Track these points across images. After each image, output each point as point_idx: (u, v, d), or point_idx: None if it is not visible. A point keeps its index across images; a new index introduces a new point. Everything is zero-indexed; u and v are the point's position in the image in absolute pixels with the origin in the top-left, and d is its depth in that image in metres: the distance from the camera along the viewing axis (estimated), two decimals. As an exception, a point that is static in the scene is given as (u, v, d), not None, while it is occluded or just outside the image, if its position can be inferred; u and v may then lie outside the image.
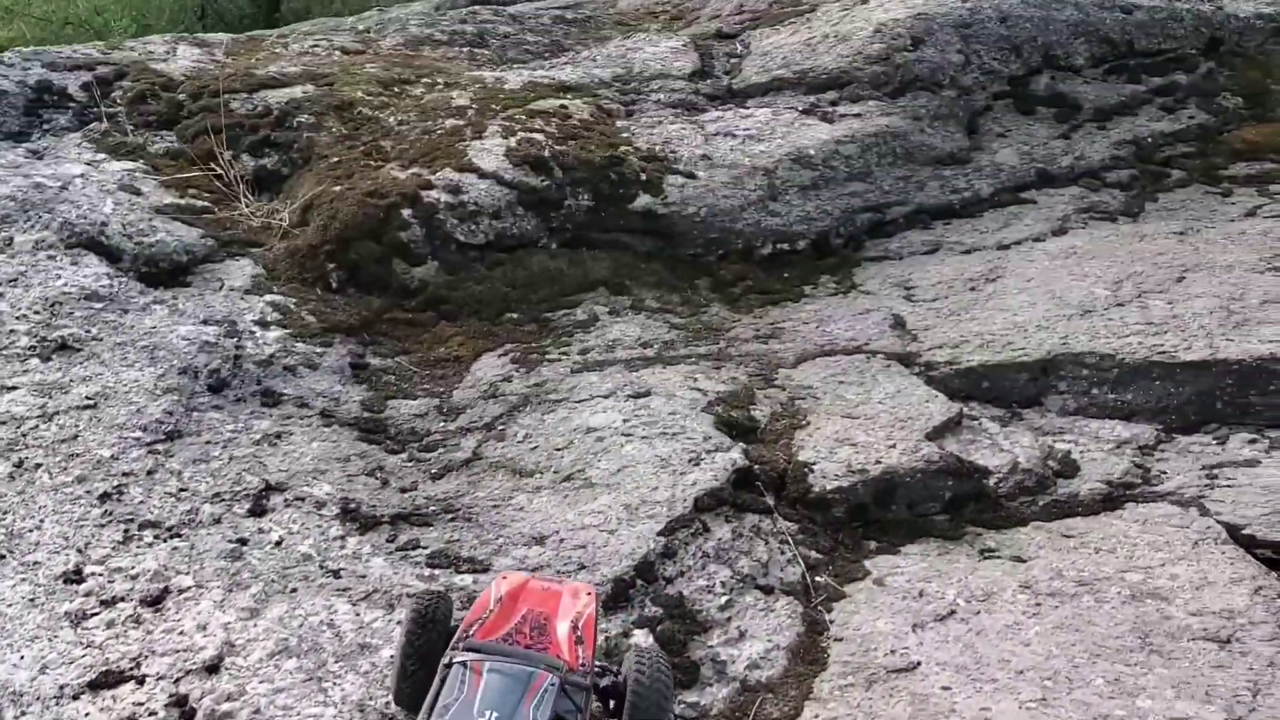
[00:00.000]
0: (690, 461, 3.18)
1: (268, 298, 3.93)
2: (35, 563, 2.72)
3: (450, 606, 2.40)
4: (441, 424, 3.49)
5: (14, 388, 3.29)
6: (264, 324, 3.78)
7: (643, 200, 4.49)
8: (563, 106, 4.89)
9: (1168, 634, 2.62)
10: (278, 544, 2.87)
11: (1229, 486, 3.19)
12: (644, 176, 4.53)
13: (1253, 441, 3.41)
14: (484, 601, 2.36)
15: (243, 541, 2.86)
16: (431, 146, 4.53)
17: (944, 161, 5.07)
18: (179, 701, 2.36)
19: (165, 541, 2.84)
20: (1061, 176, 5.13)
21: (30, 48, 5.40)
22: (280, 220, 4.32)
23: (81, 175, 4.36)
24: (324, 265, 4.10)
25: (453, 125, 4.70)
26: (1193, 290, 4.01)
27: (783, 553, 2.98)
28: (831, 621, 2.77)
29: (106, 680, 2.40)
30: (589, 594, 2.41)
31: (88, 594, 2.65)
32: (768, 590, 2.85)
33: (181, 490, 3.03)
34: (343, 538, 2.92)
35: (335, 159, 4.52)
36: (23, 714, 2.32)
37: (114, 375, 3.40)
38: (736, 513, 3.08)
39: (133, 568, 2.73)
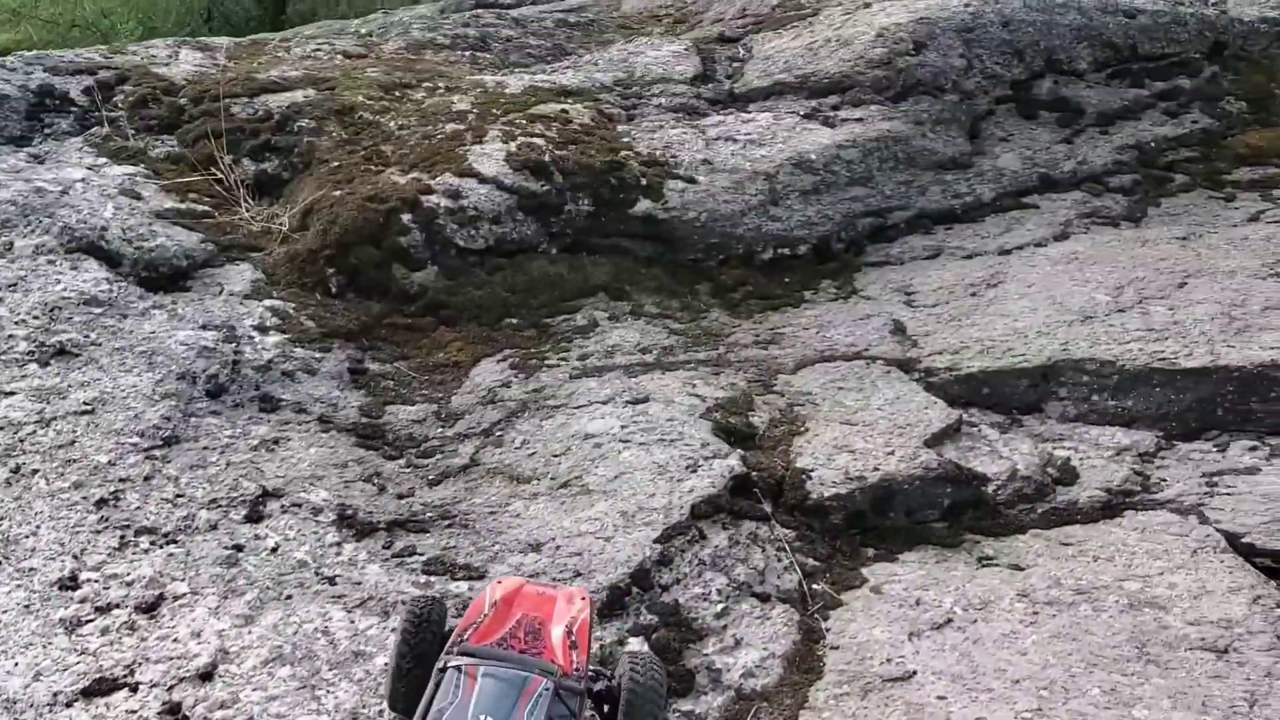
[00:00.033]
0: (688, 468, 3.17)
1: (267, 303, 3.93)
2: (31, 569, 2.73)
3: (445, 611, 2.40)
4: (440, 430, 3.49)
5: (12, 393, 3.29)
6: (263, 329, 3.78)
7: (643, 205, 4.48)
8: (563, 111, 4.89)
9: (1165, 643, 2.61)
10: (274, 550, 2.87)
11: (1229, 494, 3.18)
12: (644, 181, 4.52)
13: (1253, 449, 3.40)
14: (479, 606, 2.36)
15: (239, 548, 2.86)
16: (432, 151, 4.53)
17: (946, 166, 5.06)
18: (172, 709, 2.36)
19: (161, 548, 2.84)
20: (1064, 181, 5.11)
21: (33, 51, 5.40)
22: (280, 225, 4.32)
23: (82, 180, 4.36)
24: (323, 270, 4.10)
25: (453, 130, 4.70)
26: (1194, 296, 3.99)
27: (780, 560, 2.97)
28: (828, 630, 2.76)
29: (100, 688, 2.41)
30: (584, 599, 2.41)
31: (83, 600, 2.65)
32: (764, 598, 2.84)
33: (178, 496, 3.03)
34: (339, 544, 2.92)
35: (336, 163, 4.53)
36: (16, 721, 2.33)
37: (112, 381, 3.40)
38: (734, 520, 3.07)
39: (128, 574, 2.74)
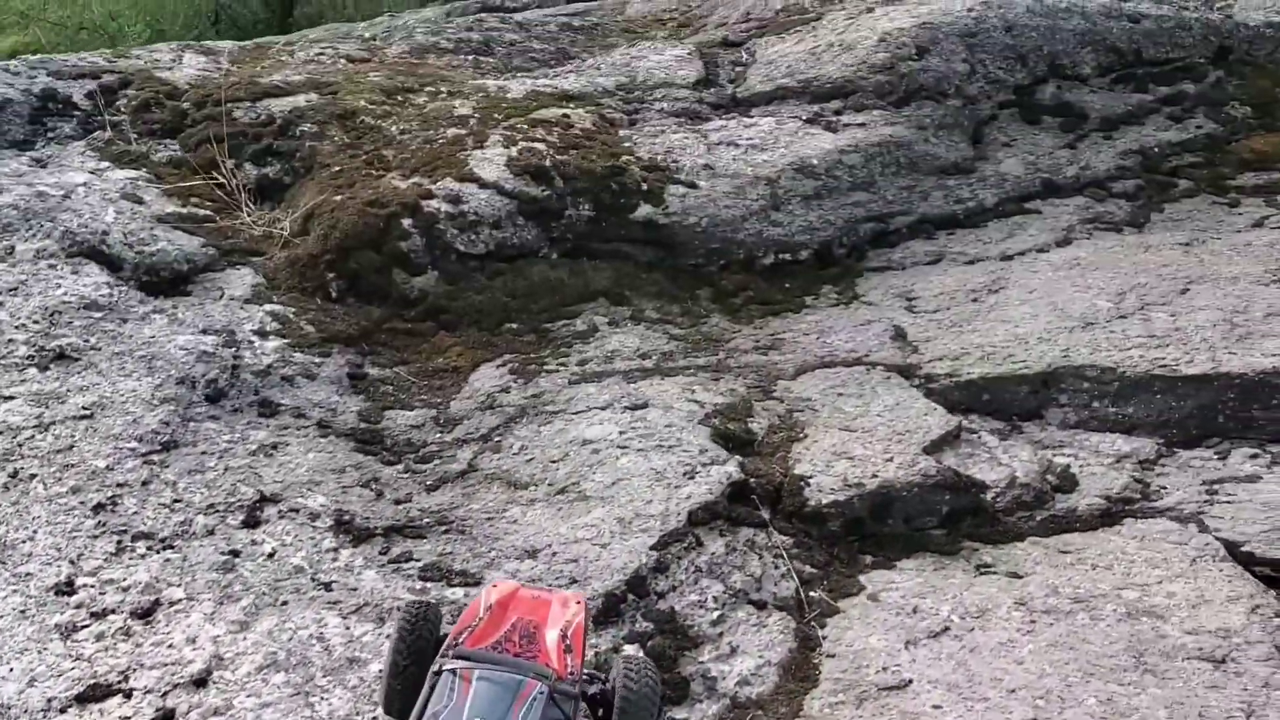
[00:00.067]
0: (685, 475, 3.17)
1: (267, 307, 3.93)
2: (27, 574, 2.73)
3: (440, 615, 2.40)
4: (438, 435, 3.49)
5: (11, 397, 3.30)
6: (263, 334, 3.78)
7: (644, 210, 4.48)
8: (565, 116, 4.89)
9: (1162, 653, 2.60)
10: (270, 556, 2.87)
11: (1229, 502, 3.16)
12: (645, 186, 4.52)
13: (1254, 456, 3.38)
14: (474, 609, 2.36)
15: (235, 553, 2.86)
16: (433, 156, 4.53)
17: (948, 171, 5.05)
18: (166, 716, 2.36)
19: (158, 553, 2.84)
20: (1067, 186, 5.10)
21: (36, 55, 5.41)
22: (281, 229, 4.32)
23: (84, 184, 4.37)
24: (324, 275, 4.10)
25: (454, 134, 4.70)
26: (1196, 302, 3.98)
27: (777, 567, 2.97)
28: (824, 637, 2.75)
29: (94, 694, 2.41)
30: (578, 603, 2.41)
31: (78, 606, 2.65)
32: (760, 605, 2.84)
33: (176, 501, 3.03)
34: (336, 550, 2.92)
35: (337, 168, 4.53)
36: (10, 727, 2.33)
37: (111, 385, 3.40)
38: (731, 526, 3.07)
39: (124, 579, 2.74)
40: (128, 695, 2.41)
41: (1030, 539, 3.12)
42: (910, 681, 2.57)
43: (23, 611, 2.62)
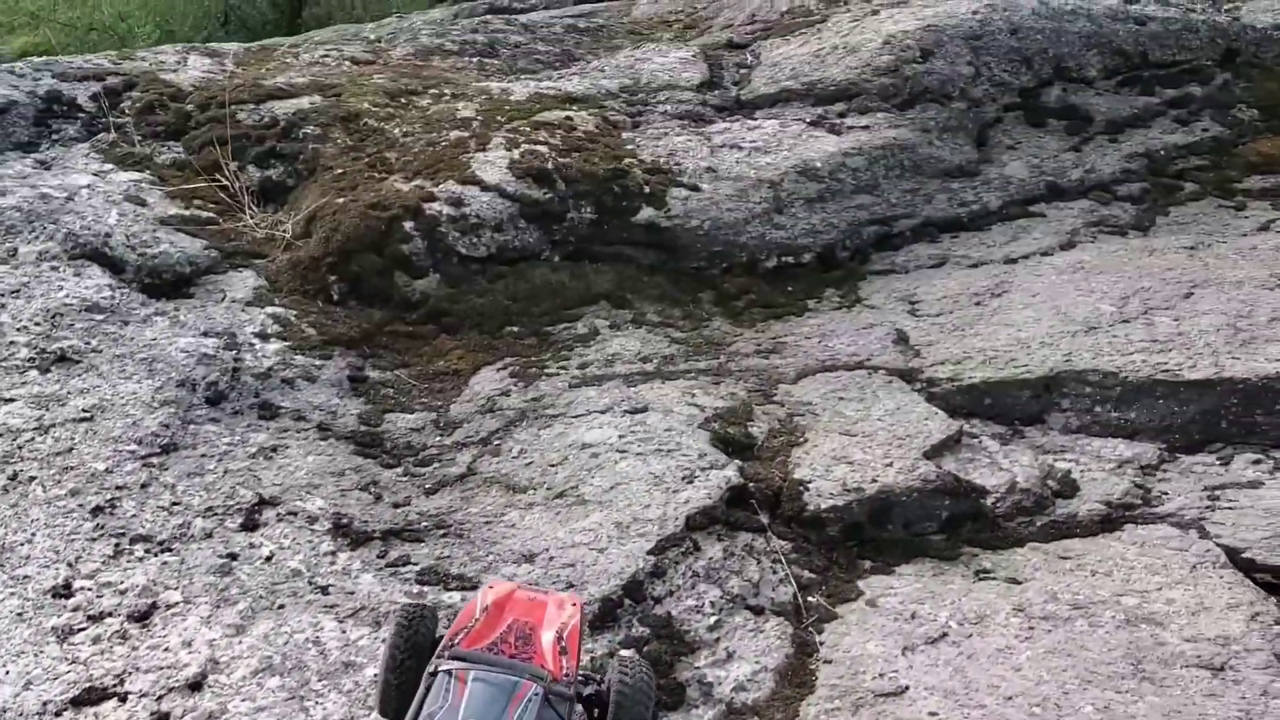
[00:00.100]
0: (684, 479, 3.16)
1: (269, 310, 3.93)
2: (25, 577, 2.73)
3: (436, 616, 2.41)
4: (438, 438, 3.49)
5: (11, 400, 3.31)
6: (264, 336, 3.79)
7: (646, 213, 4.47)
8: (568, 118, 4.88)
9: (1160, 660, 2.59)
10: (268, 559, 2.87)
11: (1230, 508, 3.15)
12: (647, 189, 4.52)
13: (1257, 462, 3.37)
14: (470, 610, 2.37)
15: (233, 556, 2.87)
16: (435, 158, 4.54)
17: (952, 174, 5.03)
18: (161, 719, 2.36)
19: (156, 556, 2.84)
20: (1071, 189, 5.08)
21: (42, 58, 5.43)
22: (284, 232, 4.33)
23: (88, 186, 4.38)
24: (326, 277, 4.10)
25: (457, 137, 4.70)
26: (1200, 307, 3.96)
27: (775, 572, 2.96)
28: (821, 643, 2.75)
29: (89, 697, 2.41)
30: (574, 604, 2.42)
31: (75, 609, 2.65)
32: (758, 611, 2.83)
33: (174, 504, 3.03)
34: (334, 553, 2.92)
35: (340, 170, 4.53)
36: (5, 730, 2.33)
37: (112, 388, 3.41)
38: (729, 531, 3.06)
39: (122, 582, 2.74)
40: (123, 699, 2.41)
41: (1030, 544, 3.11)
42: (907, 688, 2.56)
43: (20, 614, 2.62)
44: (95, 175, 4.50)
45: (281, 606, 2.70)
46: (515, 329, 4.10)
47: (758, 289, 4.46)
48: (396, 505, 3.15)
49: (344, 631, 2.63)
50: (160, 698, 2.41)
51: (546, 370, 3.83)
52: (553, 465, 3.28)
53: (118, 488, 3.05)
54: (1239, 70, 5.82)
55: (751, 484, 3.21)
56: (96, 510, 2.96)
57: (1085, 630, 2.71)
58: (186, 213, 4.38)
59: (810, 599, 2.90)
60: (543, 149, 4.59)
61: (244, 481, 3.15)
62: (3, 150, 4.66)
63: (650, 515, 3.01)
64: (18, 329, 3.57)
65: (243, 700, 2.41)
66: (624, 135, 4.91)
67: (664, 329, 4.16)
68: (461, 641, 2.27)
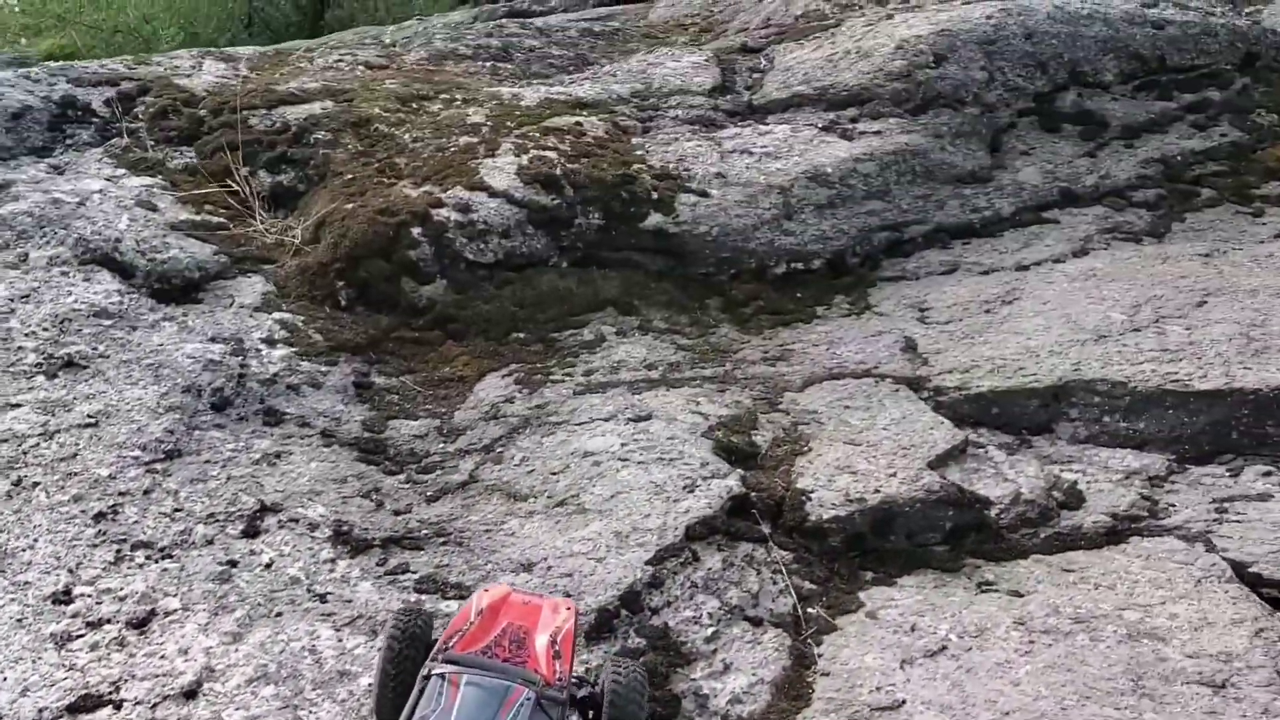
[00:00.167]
0: (685, 488, 3.15)
1: (276, 315, 3.95)
2: (26, 583, 2.75)
3: (431, 620, 2.42)
4: (441, 445, 3.49)
5: (18, 405, 3.33)
6: (270, 342, 3.80)
7: (654, 219, 4.46)
8: (578, 124, 4.88)
9: (1161, 676, 2.56)
10: (268, 566, 2.88)
11: (1238, 521, 3.11)
12: (656, 195, 4.50)
13: (1267, 474, 3.32)
14: (465, 614, 2.38)
15: (233, 563, 2.88)
16: (444, 164, 4.54)
17: (965, 180, 5.00)
18: (154, 727, 2.37)
19: (156, 562, 2.85)
20: (1085, 196, 5.03)
21: (57, 62, 5.47)
22: (293, 237, 4.34)
23: (100, 191, 4.41)
24: (333, 283, 4.11)
25: (466, 143, 4.70)
26: (1213, 315, 3.91)
27: (774, 583, 2.94)
28: (819, 655, 2.73)
29: (85, 704, 2.42)
30: (569, 609, 2.43)
31: (75, 615, 2.67)
32: (756, 622, 2.81)
33: (176, 510, 3.05)
34: (333, 561, 2.92)
35: (349, 176, 4.55)
36: (0, 737, 2.35)
37: (117, 393, 3.43)
38: (729, 541, 3.04)
39: (121, 589, 2.75)
40: (118, 706, 2.42)
41: (1034, 556, 3.08)
42: (904, 702, 2.54)
43: (19, 620, 2.64)
44: (107, 180, 4.53)
45: (279, 614, 2.71)
46: (521, 335, 4.09)
47: (766, 296, 4.43)
48: (397, 512, 3.15)
49: (340, 640, 2.63)
50: (155, 705, 2.42)
51: (552, 377, 3.82)
52: (554, 473, 3.27)
53: (121, 494, 3.07)
54: (1259, 75, 5.75)
55: (753, 493, 3.19)
56: (99, 516, 2.98)
57: (1086, 645, 2.68)
58: (197, 218, 4.41)
59: (810, 610, 2.88)
60: (551, 155, 4.59)
61: (246, 488, 3.16)
62: (17, 155, 4.70)
63: (650, 525, 3.00)
64: (26, 334, 3.59)
65: (236, 709, 2.42)
66: (634, 141, 4.90)
67: (670, 336, 4.15)
68: (456, 645, 2.29)
